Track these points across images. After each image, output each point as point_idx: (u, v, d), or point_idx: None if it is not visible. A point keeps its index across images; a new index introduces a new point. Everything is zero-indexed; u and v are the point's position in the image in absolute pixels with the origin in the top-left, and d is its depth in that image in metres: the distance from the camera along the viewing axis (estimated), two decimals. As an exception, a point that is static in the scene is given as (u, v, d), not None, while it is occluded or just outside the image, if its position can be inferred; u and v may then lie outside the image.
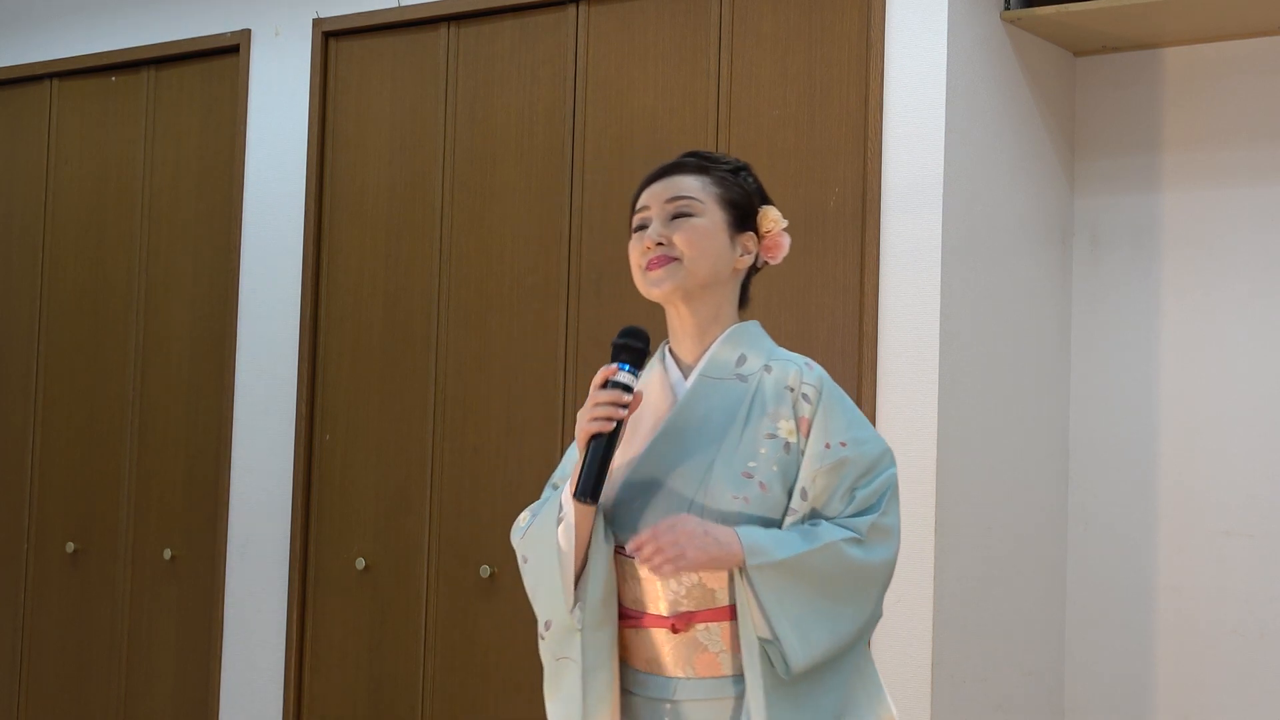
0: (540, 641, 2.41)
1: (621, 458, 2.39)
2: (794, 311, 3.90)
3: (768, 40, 4.00)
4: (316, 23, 4.75)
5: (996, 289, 3.95)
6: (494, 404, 4.38)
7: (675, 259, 2.37)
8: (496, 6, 4.42)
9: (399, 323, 4.58)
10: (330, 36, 4.74)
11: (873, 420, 3.77)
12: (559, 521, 2.35)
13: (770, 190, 3.94)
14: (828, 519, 2.31)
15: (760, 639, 2.26)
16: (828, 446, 2.32)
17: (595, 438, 2.27)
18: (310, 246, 4.72)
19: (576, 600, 2.33)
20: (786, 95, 3.96)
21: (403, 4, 4.60)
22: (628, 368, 2.30)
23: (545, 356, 4.29)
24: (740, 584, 2.28)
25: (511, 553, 2.50)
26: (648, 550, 2.24)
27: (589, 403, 2.30)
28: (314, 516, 4.70)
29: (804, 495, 2.31)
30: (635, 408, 2.32)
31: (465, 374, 4.45)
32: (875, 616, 2.35)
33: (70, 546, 5.19)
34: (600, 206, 4.22)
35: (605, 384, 2.30)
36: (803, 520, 2.31)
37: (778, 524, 2.32)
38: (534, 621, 2.32)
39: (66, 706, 5.19)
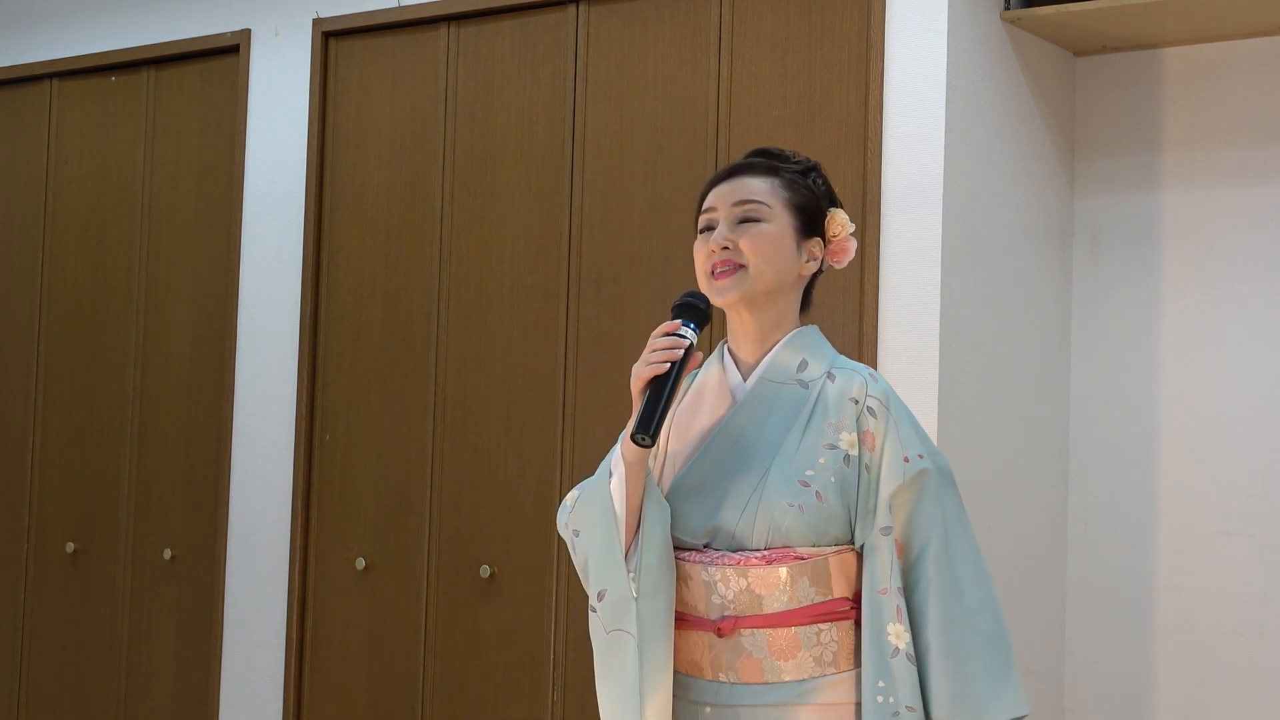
0: (591, 616, 2.35)
1: (677, 456, 2.37)
2: (794, 311, 3.90)
3: (768, 40, 4.00)
4: (316, 23, 4.75)
5: (996, 289, 3.95)
6: (494, 404, 4.38)
7: (741, 266, 2.34)
8: (496, 6, 4.42)
9: (399, 323, 4.58)
10: (330, 36, 4.74)
11: (873, 420, 3.77)
12: (611, 477, 2.32)
13: (770, 190, 3.95)
14: (916, 536, 2.30)
15: None
16: (906, 460, 2.29)
17: (653, 381, 2.26)
18: (310, 246, 4.72)
19: (629, 568, 2.29)
20: (786, 95, 3.96)
21: (403, 4, 4.60)
22: (688, 324, 2.29)
23: (545, 356, 4.29)
24: None
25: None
26: None
27: (646, 349, 2.28)
28: (314, 516, 4.70)
29: (890, 509, 2.29)
30: (694, 365, 2.30)
31: (465, 374, 4.44)
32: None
33: (70, 546, 5.19)
34: (600, 206, 4.22)
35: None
36: (898, 539, 2.30)
37: (831, 535, 2.30)
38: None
39: (66, 706, 5.19)
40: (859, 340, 3.80)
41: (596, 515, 2.33)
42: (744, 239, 2.34)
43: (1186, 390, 4.12)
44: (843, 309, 3.85)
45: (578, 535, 2.38)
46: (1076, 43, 4.17)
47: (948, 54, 3.76)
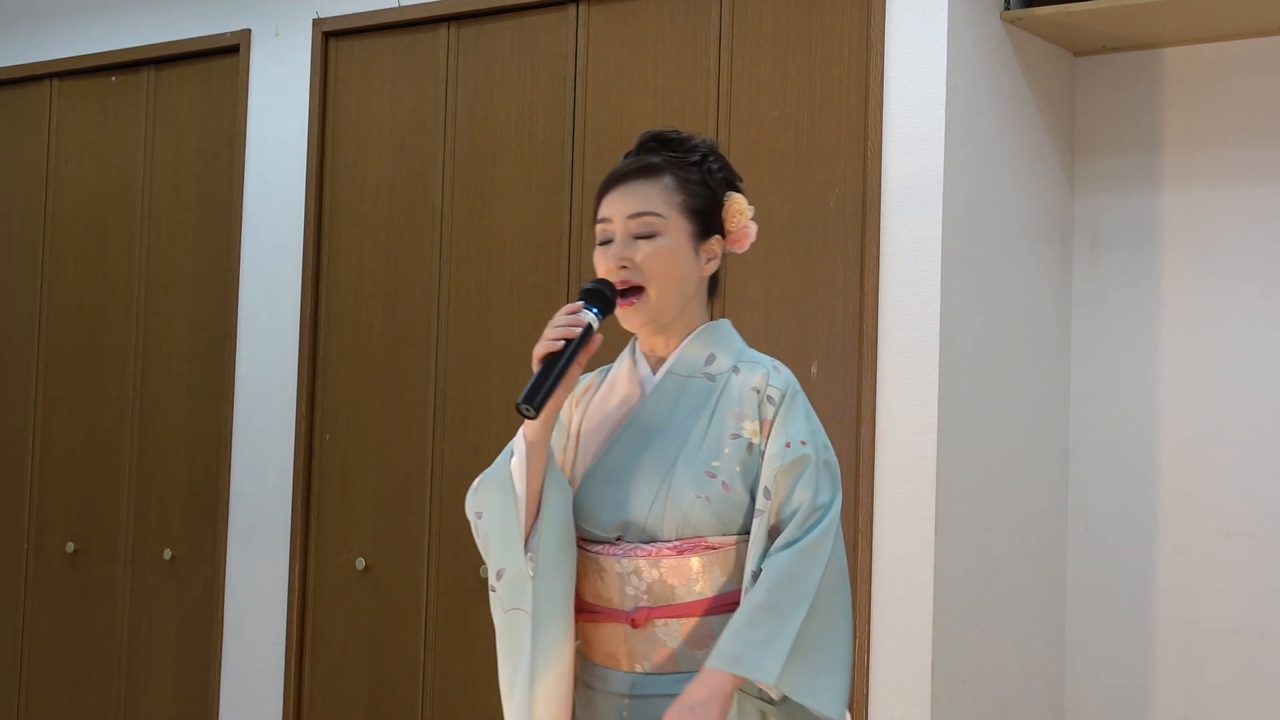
0: (491, 596, 2.39)
1: (588, 448, 2.41)
2: (794, 311, 3.90)
3: (768, 40, 4.00)
4: (316, 23, 4.75)
5: (996, 289, 3.95)
6: (494, 404, 4.38)
7: (641, 288, 2.36)
8: (496, 6, 4.42)
9: (399, 323, 4.58)
10: (330, 36, 4.74)
11: (873, 420, 3.78)
12: (511, 456, 2.35)
13: (770, 190, 3.96)
14: (787, 514, 2.29)
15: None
16: (788, 445, 2.32)
17: (547, 358, 2.29)
18: (310, 246, 4.72)
19: (529, 547, 2.32)
20: (786, 95, 3.96)
21: (403, 4, 4.60)
22: (591, 308, 2.32)
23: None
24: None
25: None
26: None
27: (547, 328, 2.31)
28: (314, 517, 4.70)
29: (767, 494, 2.31)
30: (593, 348, 2.33)
31: (465, 374, 4.44)
32: (844, 576, 2.34)
33: (70, 546, 5.19)
34: (600, 206, 4.22)
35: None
36: (771, 522, 2.30)
37: (739, 523, 2.33)
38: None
39: (66, 706, 5.19)
40: (859, 340, 3.80)
41: (496, 496, 2.36)
42: (641, 255, 2.36)
43: (1186, 390, 4.12)
44: (843, 309, 3.85)
45: (480, 517, 2.41)
46: (1076, 43, 4.17)
47: (948, 54, 3.76)
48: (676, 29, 4.14)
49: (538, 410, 2.27)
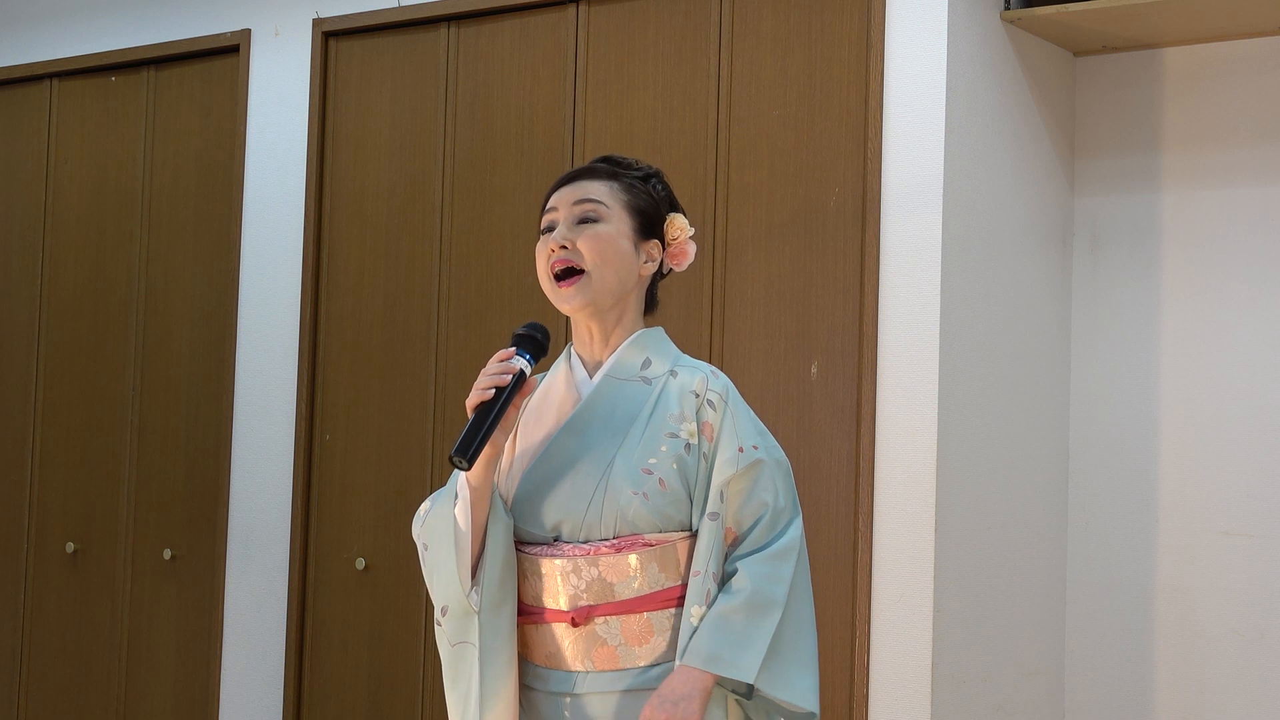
0: (436, 629, 2.45)
1: (525, 454, 2.45)
2: (794, 311, 3.90)
3: (768, 40, 4.00)
4: (316, 23, 4.75)
5: (996, 289, 3.95)
6: (494, 404, 4.38)
7: (582, 271, 2.43)
8: (496, 6, 4.42)
9: (399, 323, 4.58)
10: (330, 36, 4.74)
11: (873, 420, 3.78)
12: (455, 500, 2.40)
13: (770, 190, 3.96)
14: (748, 519, 2.37)
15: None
16: (740, 450, 2.38)
17: (479, 407, 2.33)
18: (310, 246, 4.72)
19: (475, 582, 2.38)
20: (786, 95, 3.96)
21: (403, 4, 4.60)
22: (523, 354, 2.39)
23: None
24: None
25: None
26: None
27: (479, 376, 2.36)
28: (314, 516, 4.70)
29: (721, 497, 2.37)
30: (527, 392, 2.39)
31: (465, 374, 4.44)
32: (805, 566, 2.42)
33: (70, 546, 5.19)
34: (600, 206, 4.22)
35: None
36: (727, 525, 2.37)
37: (676, 520, 2.38)
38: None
39: (66, 706, 5.19)
40: (859, 340, 3.80)
41: (441, 535, 2.43)
42: (582, 239, 2.43)
43: (1186, 390, 4.12)
44: (843, 309, 3.85)
45: (426, 549, 2.48)
46: (1076, 43, 4.17)
47: (948, 54, 3.76)
48: (676, 29, 4.14)
49: (470, 462, 2.32)
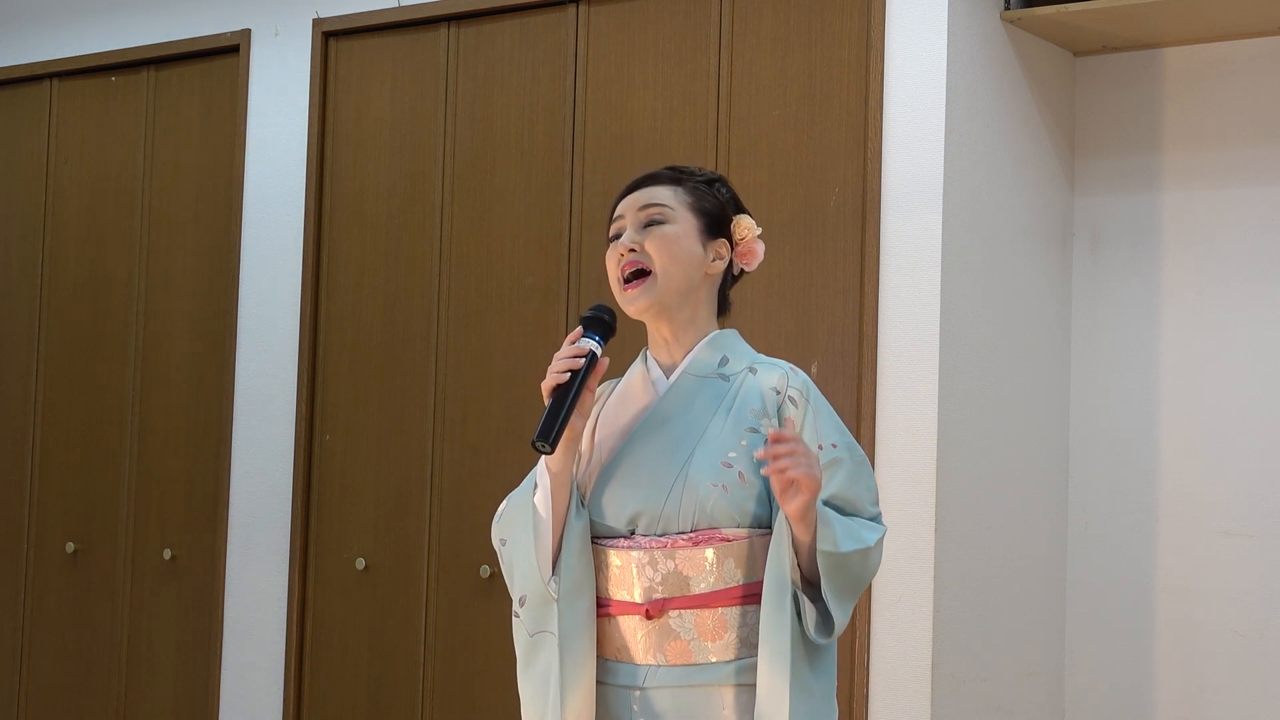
0: (514, 621, 2.46)
1: (602, 447, 2.46)
2: (794, 311, 3.90)
3: (768, 40, 4.00)
4: (316, 23, 4.75)
5: (996, 289, 3.95)
6: (494, 404, 4.38)
7: (649, 272, 2.44)
8: (496, 6, 4.42)
9: (399, 323, 4.58)
10: (330, 36, 4.74)
11: (873, 420, 3.78)
12: (535, 490, 2.42)
13: (770, 190, 3.96)
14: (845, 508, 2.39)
15: (804, 594, 2.31)
16: (820, 448, 2.39)
17: (555, 391, 2.35)
18: (310, 246, 4.72)
19: (554, 571, 2.39)
20: (786, 95, 3.96)
21: (403, 4, 4.60)
22: (592, 335, 2.39)
23: (545, 357, 4.26)
24: (784, 533, 2.31)
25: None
26: (785, 449, 2.23)
27: (553, 361, 2.38)
28: (314, 516, 4.70)
29: None
30: (599, 373, 2.39)
31: (465, 374, 4.44)
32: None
33: (70, 546, 5.19)
34: (600, 206, 4.22)
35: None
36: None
37: (754, 515, 2.38)
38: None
39: (66, 706, 5.19)
40: (859, 340, 3.81)
41: (521, 526, 2.43)
42: (649, 240, 2.46)
43: (1186, 390, 4.12)
44: (843, 309, 3.85)
45: (504, 544, 2.48)
46: (1076, 43, 4.17)
47: (948, 54, 3.76)
48: (676, 29, 4.14)
49: (553, 445, 2.33)
